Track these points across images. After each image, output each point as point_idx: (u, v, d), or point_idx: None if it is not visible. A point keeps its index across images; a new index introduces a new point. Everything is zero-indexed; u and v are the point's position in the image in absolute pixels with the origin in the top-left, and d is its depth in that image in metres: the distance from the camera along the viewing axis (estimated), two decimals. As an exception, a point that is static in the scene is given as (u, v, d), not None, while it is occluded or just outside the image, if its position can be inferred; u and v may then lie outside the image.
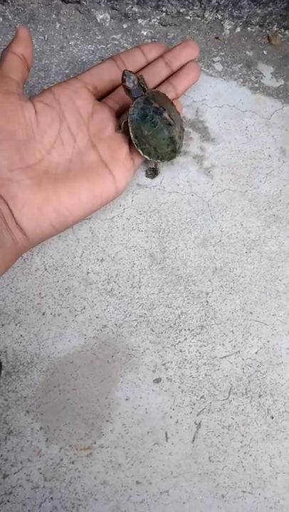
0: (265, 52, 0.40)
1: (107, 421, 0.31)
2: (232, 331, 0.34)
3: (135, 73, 0.30)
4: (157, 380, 0.33)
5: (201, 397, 0.32)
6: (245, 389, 0.33)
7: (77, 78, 0.31)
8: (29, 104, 0.29)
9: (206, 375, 0.33)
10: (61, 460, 0.31)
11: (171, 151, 0.33)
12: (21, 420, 0.31)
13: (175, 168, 0.37)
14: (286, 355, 0.34)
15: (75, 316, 0.33)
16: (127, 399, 0.32)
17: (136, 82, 0.30)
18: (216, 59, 0.39)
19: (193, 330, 0.34)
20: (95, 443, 0.31)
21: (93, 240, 0.35)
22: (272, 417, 0.33)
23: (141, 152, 0.31)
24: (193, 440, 0.32)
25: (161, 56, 0.34)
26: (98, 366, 0.32)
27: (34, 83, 0.37)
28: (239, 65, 0.40)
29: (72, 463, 0.31)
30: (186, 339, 0.33)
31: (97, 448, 0.31)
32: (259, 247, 0.36)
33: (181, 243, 0.35)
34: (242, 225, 0.36)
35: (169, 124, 0.31)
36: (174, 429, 0.32)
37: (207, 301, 0.34)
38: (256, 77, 0.40)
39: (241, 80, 0.39)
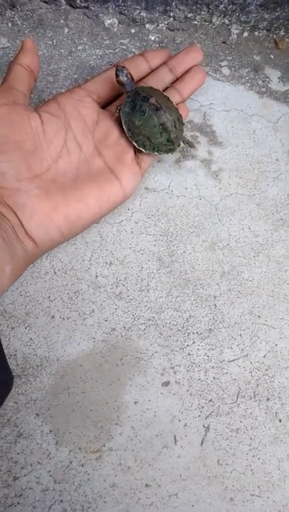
0: (272, 56, 0.40)
1: (116, 424, 0.32)
2: (240, 335, 0.34)
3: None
4: (166, 384, 0.33)
5: (210, 401, 0.33)
6: (254, 392, 0.33)
7: (81, 87, 0.32)
8: (35, 114, 0.29)
9: (214, 378, 0.33)
10: (71, 463, 0.31)
11: (166, 140, 0.32)
12: (31, 423, 0.31)
13: (183, 172, 0.37)
14: (294, 358, 0.34)
15: (84, 319, 0.33)
16: (135, 402, 0.32)
17: (129, 76, 0.31)
18: (223, 63, 0.40)
19: (201, 333, 0.34)
20: (104, 446, 0.31)
21: (102, 243, 0.35)
22: (281, 421, 0.33)
23: (136, 145, 0.32)
24: (201, 443, 0.32)
25: (164, 63, 0.34)
26: (107, 369, 0.33)
27: (43, 88, 0.37)
28: (246, 70, 0.40)
29: (82, 465, 0.31)
30: (194, 342, 0.34)
31: (107, 451, 0.31)
32: (267, 251, 0.36)
33: (189, 247, 0.35)
34: (250, 228, 0.36)
35: (157, 109, 0.31)
36: (182, 432, 0.32)
37: (215, 305, 0.35)
38: (263, 81, 0.40)
39: (249, 84, 0.40)
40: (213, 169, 0.37)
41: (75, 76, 0.38)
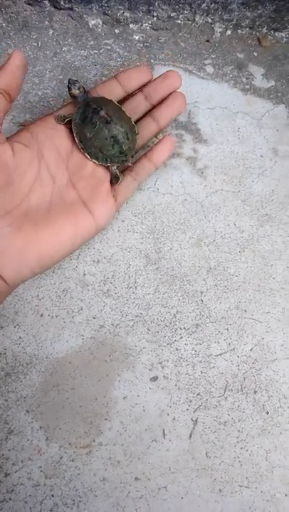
0: (255, 54, 0.41)
1: (106, 419, 0.32)
2: (227, 329, 0.35)
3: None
4: (154, 379, 0.33)
5: (198, 394, 0.33)
6: (241, 385, 0.34)
7: (53, 114, 0.31)
8: (6, 146, 0.28)
9: (201, 372, 0.33)
10: (61, 458, 0.31)
11: (118, 152, 0.31)
12: (21, 420, 0.32)
13: (168, 169, 0.37)
14: (280, 351, 0.34)
15: (73, 317, 0.34)
16: (124, 397, 0.33)
17: (81, 89, 0.31)
18: (207, 61, 0.40)
19: (188, 329, 0.34)
20: (94, 441, 0.32)
21: (89, 242, 0.35)
22: (268, 413, 0.33)
23: (88, 156, 0.31)
24: (190, 436, 0.32)
25: (140, 89, 0.33)
26: (96, 366, 0.33)
27: (29, 89, 0.38)
28: (230, 67, 0.40)
29: (72, 461, 0.31)
30: (181, 338, 0.34)
31: (96, 446, 0.32)
32: (252, 246, 0.37)
33: (176, 243, 0.36)
34: (235, 224, 0.37)
35: (107, 122, 0.30)
36: (171, 426, 0.32)
37: (202, 300, 0.35)
38: (247, 78, 0.40)
39: (232, 82, 0.40)
40: (199, 166, 0.38)
41: (61, 77, 0.38)
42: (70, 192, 0.30)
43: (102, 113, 0.30)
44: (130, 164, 0.32)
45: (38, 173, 0.29)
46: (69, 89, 0.31)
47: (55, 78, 0.38)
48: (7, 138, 0.29)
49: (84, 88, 0.31)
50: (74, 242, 0.30)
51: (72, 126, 0.31)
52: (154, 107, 0.33)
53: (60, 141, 0.30)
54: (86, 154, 0.31)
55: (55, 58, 0.38)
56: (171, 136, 0.35)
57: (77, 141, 0.31)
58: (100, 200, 0.31)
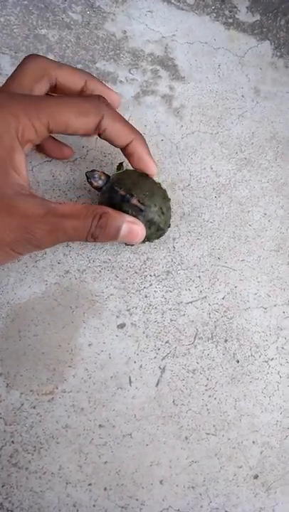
0: (240, -17, 0.37)
1: (70, 366, 0.31)
2: (199, 277, 0.33)
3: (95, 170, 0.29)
4: (121, 326, 0.32)
5: (166, 342, 0.32)
6: (211, 334, 0.32)
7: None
8: None
9: (171, 320, 0.32)
10: (22, 405, 0.30)
11: (156, 230, 0.29)
12: (-20, 366, 0.30)
13: (142, 108, 0.35)
14: (253, 300, 0.33)
15: (36, 261, 0.32)
16: (89, 344, 0.31)
17: (103, 177, 0.28)
18: (187, -10, 0.37)
19: (158, 276, 0.33)
20: (56, 388, 0.30)
21: (54, 183, 0.33)
22: (238, 361, 0.32)
23: (124, 243, 0.30)
24: (157, 384, 0.31)
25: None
26: (60, 312, 0.31)
27: (-12, 13, 0.34)
28: (212, -2, 0.37)
29: (34, 408, 0.30)
30: (151, 285, 0.32)
31: (59, 393, 0.30)
32: (229, 192, 0.35)
33: (148, 187, 0.34)
34: (212, 168, 0.35)
35: (141, 210, 0.28)
36: (137, 374, 0.31)
37: (174, 247, 0.33)
38: (230, 11, 0.37)
39: (214, 15, 0.37)
40: (175, 106, 0.35)
41: (25, 2, 0.35)
42: None
43: (134, 201, 0.27)
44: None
45: None
46: (90, 184, 0.28)
47: (20, 3, 0.35)
48: None
49: (105, 174, 0.29)
50: None
51: None
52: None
53: None
54: None
55: (18, -21, 0.35)
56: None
57: None
58: None
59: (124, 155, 0.29)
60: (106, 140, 0.28)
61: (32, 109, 0.24)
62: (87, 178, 0.29)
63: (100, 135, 0.27)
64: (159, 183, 0.30)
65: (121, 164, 0.30)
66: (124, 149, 0.28)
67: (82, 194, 0.33)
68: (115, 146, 0.28)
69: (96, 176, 0.28)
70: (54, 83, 0.27)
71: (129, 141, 0.28)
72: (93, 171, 0.28)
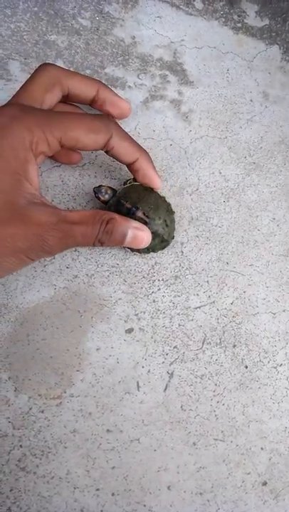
0: (248, -12, 0.37)
1: (78, 371, 0.31)
2: (207, 282, 0.33)
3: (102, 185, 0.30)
4: (129, 330, 0.32)
5: (174, 347, 0.32)
6: (220, 339, 0.32)
7: None
8: None
9: (179, 325, 0.32)
10: (30, 409, 0.30)
11: (160, 242, 0.31)
12: (-11, 370, 0.30)
13: (151, 113, 0.35)
14: (262, 305, 0.33)
15: (45, 266, 0.32)
16: (98, 349, 0.31)
17: (110, 192, 0.29)
18: (195, -5, 0.37)
19: (167, 280, 0.33)
20: (64, 392, 0.31)
21: (63, 188, 0.33)
22: (247, 367, 0.32)
23: (130, 250, 0.31)
24: (165, 389, 0.31)
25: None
26: (68, 316, 0.31)
27: (0, 22, 0.34)
28: (221, 3, 0.37)
29: (42, 412, 0.30)
30: (159, 289, 0.32)
31: (67, 397, 0.30)
32: (238, 196, 0.34)
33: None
34: (220, 173, 0.35)
35: (146, 222, 0.29)
36: (145, 379, 0.31)
37: (182, 252, 0.33)
38: (239, 16, 0.37)
39: (223, 20, 0.37)
40: (183, 110, 0.35)
41: (35, 9, 0.35)
42: None
43: (140, 214, 0.28)
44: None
45: None
46: (98, 198, 0.29)
47: (30, 10, 0.35)
48: None
49: (111, 188, 0.29)
50: None
51: None
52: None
53: None
54: (128, 249, 0.30)
55: (28, -14, 0.35)
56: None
57: None
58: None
59: (130, 170, 0.30)
60: (113, 157, 0.28)
61: (45, 123, 0.24)
62: (95, 193, 0.29)
63: (107, 152, 0.28)
64: (164, 197, 0.31)
65: (127, 182, 0.31)
66: (130, 165, 0.29)
67: (91, 199, 0.33)
68: (122, 162, 0.29)
69: (103, 190, 0.29)
70: (66, 92, 0.27)
71: (135, 159, 0.28)
72: (100, 186, 0.30)
